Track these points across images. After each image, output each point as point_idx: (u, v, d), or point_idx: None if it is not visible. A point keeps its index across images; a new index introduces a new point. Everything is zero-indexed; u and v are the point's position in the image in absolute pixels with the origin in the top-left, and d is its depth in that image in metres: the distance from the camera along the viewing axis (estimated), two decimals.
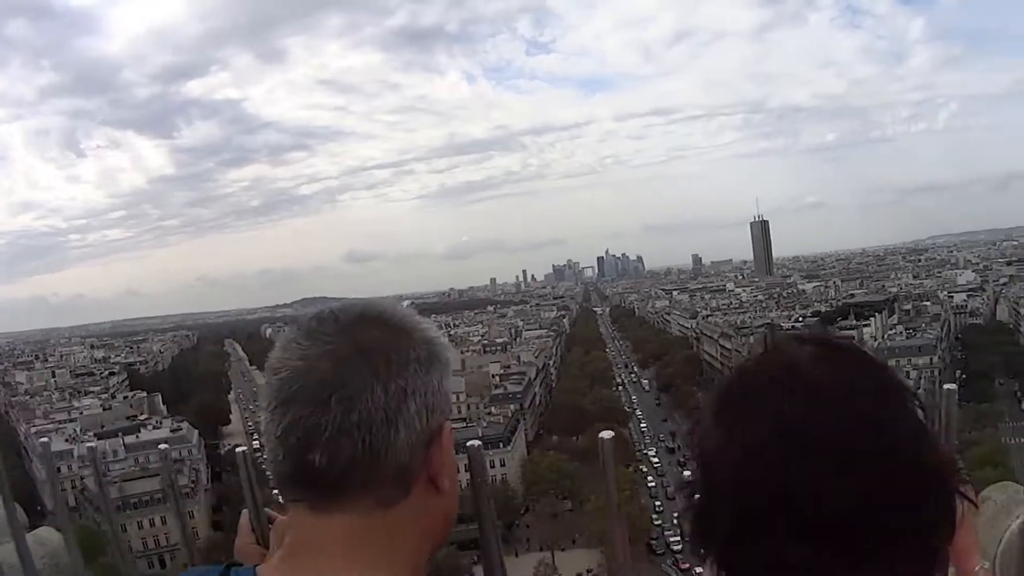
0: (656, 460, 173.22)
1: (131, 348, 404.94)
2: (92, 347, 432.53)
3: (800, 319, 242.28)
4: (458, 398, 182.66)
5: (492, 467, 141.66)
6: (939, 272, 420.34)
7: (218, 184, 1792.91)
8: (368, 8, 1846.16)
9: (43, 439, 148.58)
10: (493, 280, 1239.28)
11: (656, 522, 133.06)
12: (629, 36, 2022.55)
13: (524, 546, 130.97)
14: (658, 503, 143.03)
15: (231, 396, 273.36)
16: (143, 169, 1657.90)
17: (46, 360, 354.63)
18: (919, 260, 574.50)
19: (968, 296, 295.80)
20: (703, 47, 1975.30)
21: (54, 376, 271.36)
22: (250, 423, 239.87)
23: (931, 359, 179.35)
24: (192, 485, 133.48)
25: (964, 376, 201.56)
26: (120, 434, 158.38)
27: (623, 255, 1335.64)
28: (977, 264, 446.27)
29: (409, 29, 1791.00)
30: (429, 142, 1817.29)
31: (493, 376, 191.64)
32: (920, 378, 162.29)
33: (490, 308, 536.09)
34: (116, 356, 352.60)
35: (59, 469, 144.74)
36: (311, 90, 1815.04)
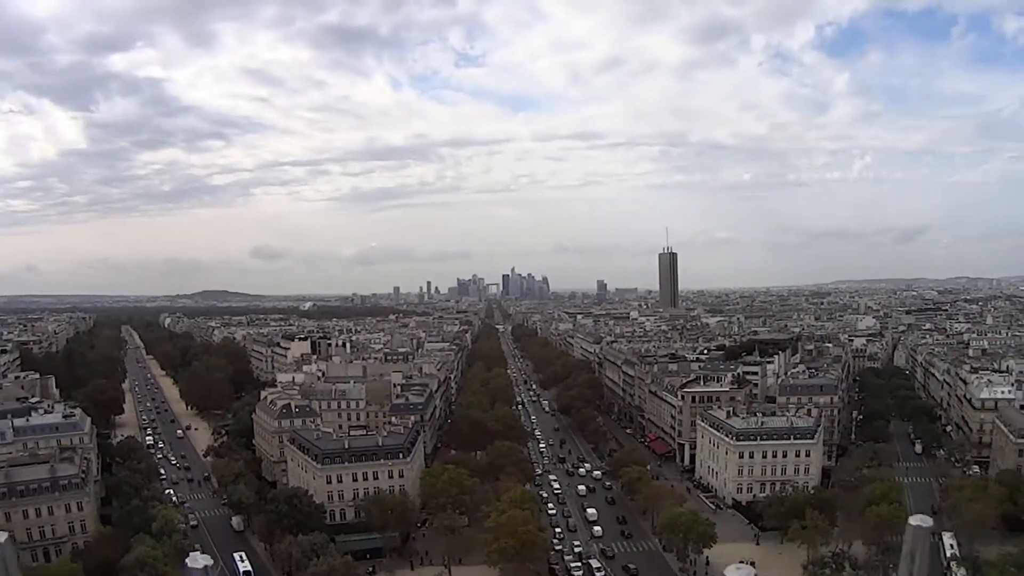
0: (557, 486, 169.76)
1: (25, 326, 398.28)
2: None
3: (704, 352, 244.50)
4: (358, 405, 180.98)
5: (391, 478, 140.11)
6: (841, 316, 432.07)
7: (131, 165, 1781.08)
8: (303, 2, 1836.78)
9: None
10: (397, 289, 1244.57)
11: (557, 547, 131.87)
12: (560, 59, 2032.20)
13: (420, 559, 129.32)
14: (558, 529, 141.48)
15: (126, 385, 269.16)
16: (55, 140, 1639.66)
17: None
18: (822, 303, 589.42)
19: (868, 341, 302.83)
20: (631, 77, 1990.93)
21: None
22: (144, 417, 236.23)
23: (831, 399, 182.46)
24: (82, 475, 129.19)
25: (861, 417, 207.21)
26: (10, 416, 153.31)
27: (529, 275, 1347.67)
28: (878, 311, 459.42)
29: (341, 28, 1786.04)
30: (347, 144, 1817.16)
31: (395, 386, 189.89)
32: (820, 416, 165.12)
33: (392, 317, 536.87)
34: (9, 333, 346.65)
35: None
36: (236, 79, 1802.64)
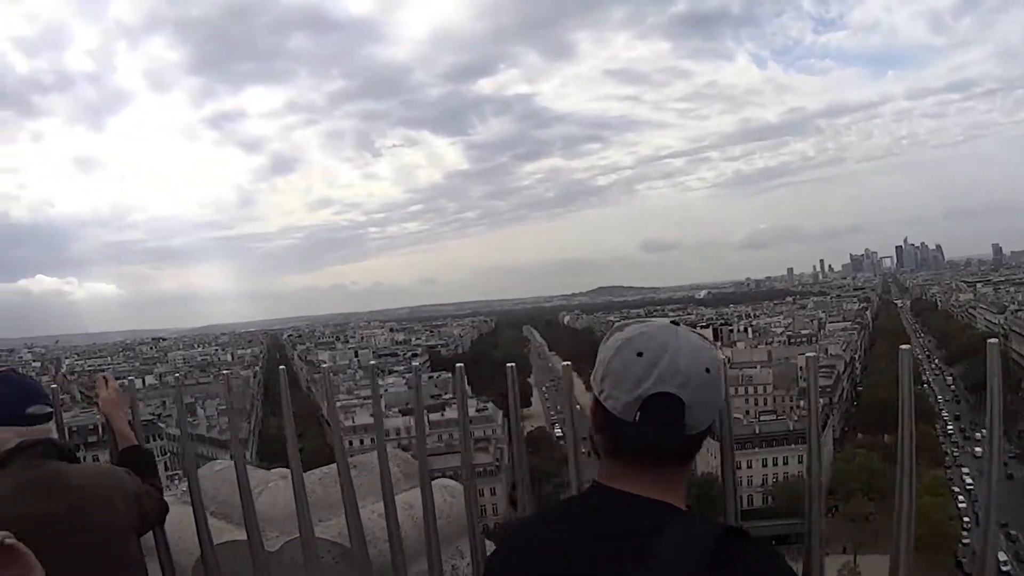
0: (970, 482, 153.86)
1: (431, 332, 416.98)
2: (392, 330, 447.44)
3: None
4: (765, 390, 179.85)
5: (800, 463, 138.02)
6: None
7: (514, 177, 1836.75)
8: None
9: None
10: (790, 270, 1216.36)
11: (965, 540, 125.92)
12: (916, 6, 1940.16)
13: (828, 547, 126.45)
14: (967, 519, 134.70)
15: (531, 380, 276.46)
16: (439, 165, 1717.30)
17: (347, 341, 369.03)
18: None
19: None
20: (992, 14, 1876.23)
21: (357, 356, 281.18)
22: (552, 412, 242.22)
23: None
24: (496, 463, 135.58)
25: None
26: (426, 411, 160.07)
27: (922, 244, 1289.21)
28: None
29: (693, 15, 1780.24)
30: (721, 128, 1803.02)
31: (800, 369, 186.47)
32: None
33: (789, 299, 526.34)
34: (416, 339, 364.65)
35: (362, 442, 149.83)
36: (601, 82, 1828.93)
